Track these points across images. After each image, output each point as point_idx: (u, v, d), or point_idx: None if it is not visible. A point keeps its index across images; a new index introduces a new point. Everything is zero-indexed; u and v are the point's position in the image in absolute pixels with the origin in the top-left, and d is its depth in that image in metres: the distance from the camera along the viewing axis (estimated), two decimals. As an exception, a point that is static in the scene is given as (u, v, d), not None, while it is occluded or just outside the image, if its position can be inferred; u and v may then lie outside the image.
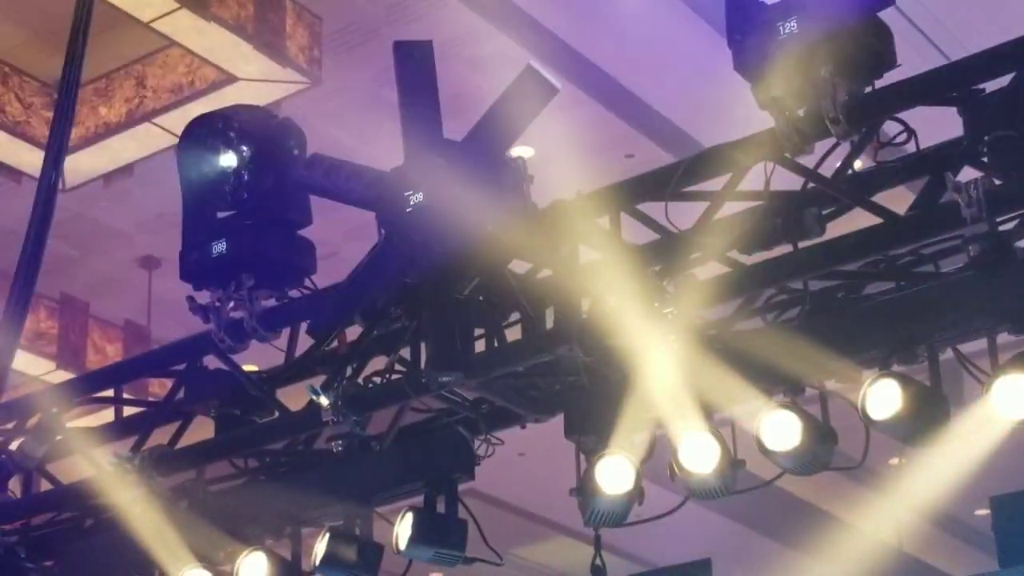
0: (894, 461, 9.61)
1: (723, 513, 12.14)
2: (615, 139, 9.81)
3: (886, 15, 4.55)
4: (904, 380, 4.52)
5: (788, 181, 4.85)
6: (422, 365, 5.14)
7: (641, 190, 5.06)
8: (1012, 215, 4.49)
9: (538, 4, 8.91)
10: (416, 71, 4.98)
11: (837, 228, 4.77)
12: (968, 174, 4.45)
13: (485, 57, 8.66)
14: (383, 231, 5.04)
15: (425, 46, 5.02)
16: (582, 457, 5.13)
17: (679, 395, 4.77)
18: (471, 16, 8.78)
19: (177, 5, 8.47)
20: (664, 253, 4.92)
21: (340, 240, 9.39)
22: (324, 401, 5.18)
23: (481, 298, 5.06)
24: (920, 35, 8.93)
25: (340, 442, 5.47)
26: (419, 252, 4.92)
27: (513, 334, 5.15)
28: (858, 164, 4.87)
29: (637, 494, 4.94)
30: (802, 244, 4.75)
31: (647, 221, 5.06)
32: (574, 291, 4.95)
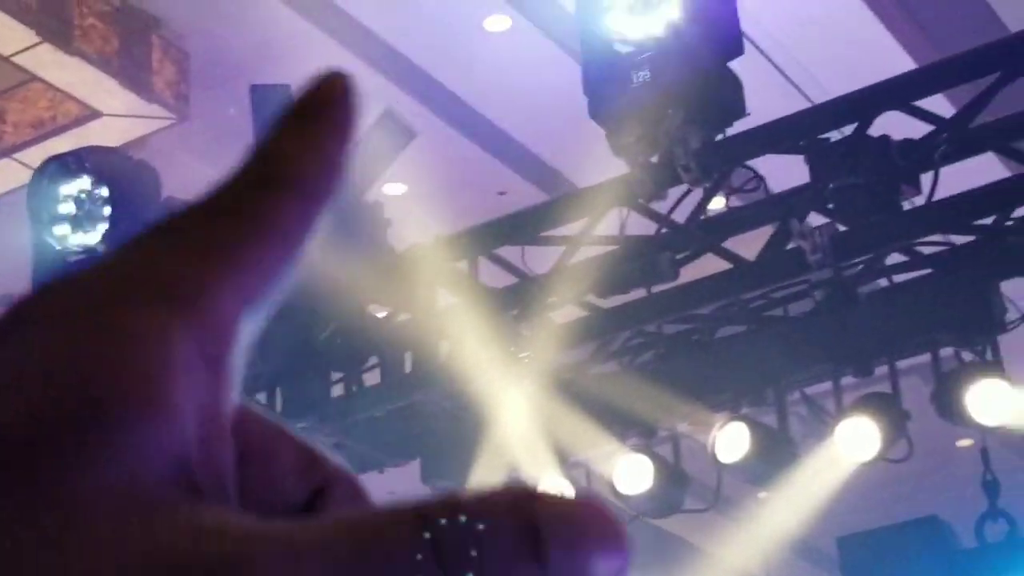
0: (761, 494, 9.75)
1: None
2: (488, 176, 9.84)
3: (752, 59, 4.64)
4: (752, 423, 4.60)
5: (643, 226, 4.92)
6: (278, 410, 5.09)
7: (499, 234, 5.09)
8: (856, 261, 4.61)
9: (410, 43, 8.91)
10: (273, 115, 4.94)
11: (690, 272, 4.85)
12: (818, 219, 4.56)
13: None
14: (238, 275, 4.97)
15: (282, 89, 4.99)
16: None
17: (534, 439, 4.79)
18: (341, 52, 8.73)
19: (39, 39, 8.27)
20: (521, 297, 4.95)
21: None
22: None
23: (339, 342, 5.02)
24: (784, 79, 9.13)
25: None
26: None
27: (372, 378, 5.12)
28: (720, 202, 4.96)
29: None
30: (656, 288, 4.82)
31: (505, 265, 5.09)
32: (432, 335, 4.95)
